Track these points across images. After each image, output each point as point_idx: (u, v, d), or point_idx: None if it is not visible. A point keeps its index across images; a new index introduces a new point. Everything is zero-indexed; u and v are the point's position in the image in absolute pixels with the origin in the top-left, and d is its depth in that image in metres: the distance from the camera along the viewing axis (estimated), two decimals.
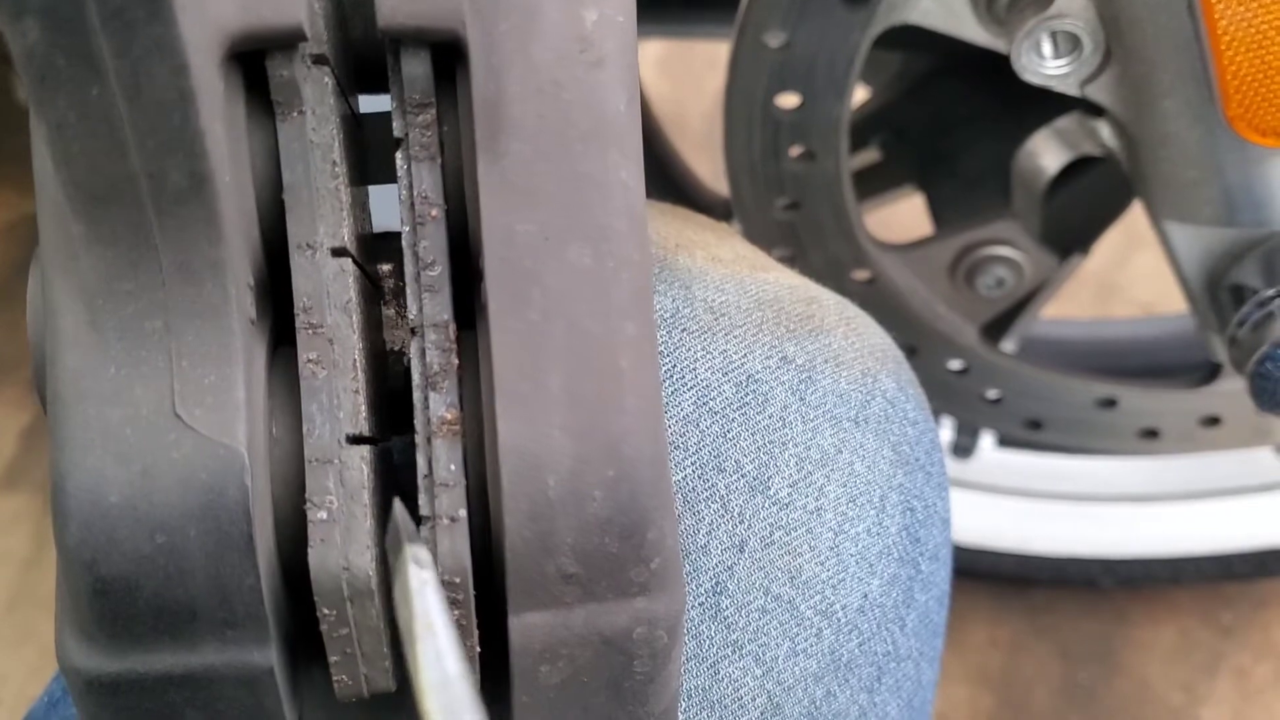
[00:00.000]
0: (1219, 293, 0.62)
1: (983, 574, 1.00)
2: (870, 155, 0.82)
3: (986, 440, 0.93)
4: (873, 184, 0.82)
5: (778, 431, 0.40)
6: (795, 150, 0.68)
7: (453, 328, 0.28)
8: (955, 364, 0.80)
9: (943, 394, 0.81)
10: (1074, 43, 0.58)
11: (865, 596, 0.40)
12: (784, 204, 0.71)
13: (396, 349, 0.31)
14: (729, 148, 0.69)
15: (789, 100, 0.66)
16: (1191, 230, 0.61)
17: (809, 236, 0.72)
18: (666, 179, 0.93)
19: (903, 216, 0.93)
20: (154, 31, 0.23)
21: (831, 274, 0.73)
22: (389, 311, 0.32)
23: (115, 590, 0.26)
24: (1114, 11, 0.56)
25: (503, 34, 0.27)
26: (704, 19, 0.80)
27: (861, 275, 0.74)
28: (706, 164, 0.99)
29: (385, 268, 0.32)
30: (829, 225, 0.71)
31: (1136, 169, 0.62)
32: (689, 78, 1.26)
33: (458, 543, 0.27)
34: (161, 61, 0.23)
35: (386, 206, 0.34)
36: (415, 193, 0.28)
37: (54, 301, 0.26)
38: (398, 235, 0.31)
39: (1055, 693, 1.04)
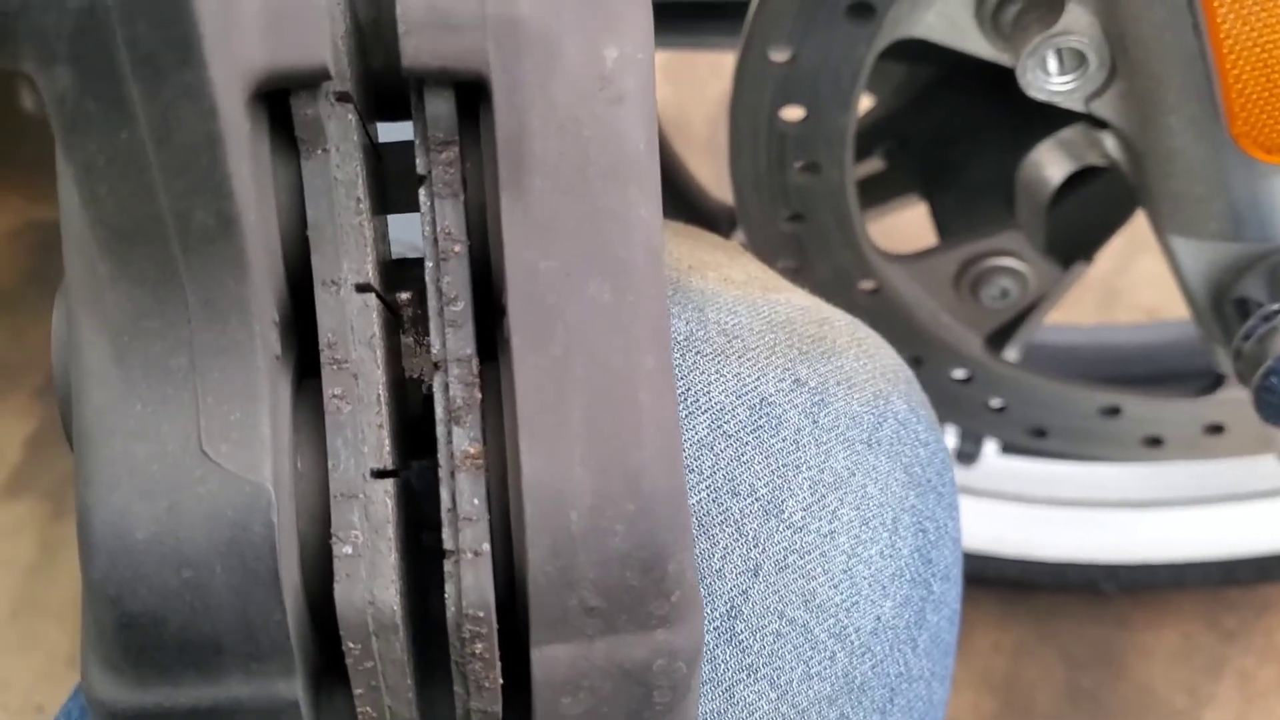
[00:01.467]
0: (1224, 306, 0.62)
1: (987, 580, 1.00)
2: (874, 164, 0.83)
3: (990, 447, 0.93)
4: (876, 193, 0.83)
5: (791, 455, 0.40)
6: (800, 163, 0.68)
7: (475, 362, 0.28)
8: (959, 373, 0.80)
9: (947, 403, 0.82)
10: (1079, 59, 0.58)
11: (878, 619, 0.40)
12: (789, 215, 0.71)
13: (415, 376, 0.32)
14: (734, 160, 0.69)
15: (794, 113, 0.67)
16: (1197, 245, 0.61)
17: (814, 248, 0.72)
18: (669, 186, 0.93)
19: (904, 226, 0.93)
20: (184, 77, 0.23)
21: (837, 285, 0.74)
22: (407, 340, 0.32)
23: (141, 624, 0.26)
24: (1119, 29, 0.56)
25: (525, 73, 0.27)
26: (709, 31, 0.80)
27: (867, 285, 0.74)
28: (709, 170, 0.99)
29: (404, 296, 0.32)
30: (834, 236, 0.72)
31: (1142, 183, 0.62)
32: (692, 83, 1.27)
33: (481, 577, 0.27)
34: (191, 105, 0.23)
35: (400, 225, 0.34)
36: (439, 228, 0.28)
37: (80, 337, 0.27)
38: (416, 262, 0.31)
39: (1059, 697, 1.04)
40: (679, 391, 0.40)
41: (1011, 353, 0.80)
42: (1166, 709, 1.03)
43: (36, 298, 1.28)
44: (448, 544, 0.27)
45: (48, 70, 0.22)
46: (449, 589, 0.27)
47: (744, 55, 0.65)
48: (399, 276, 0.32)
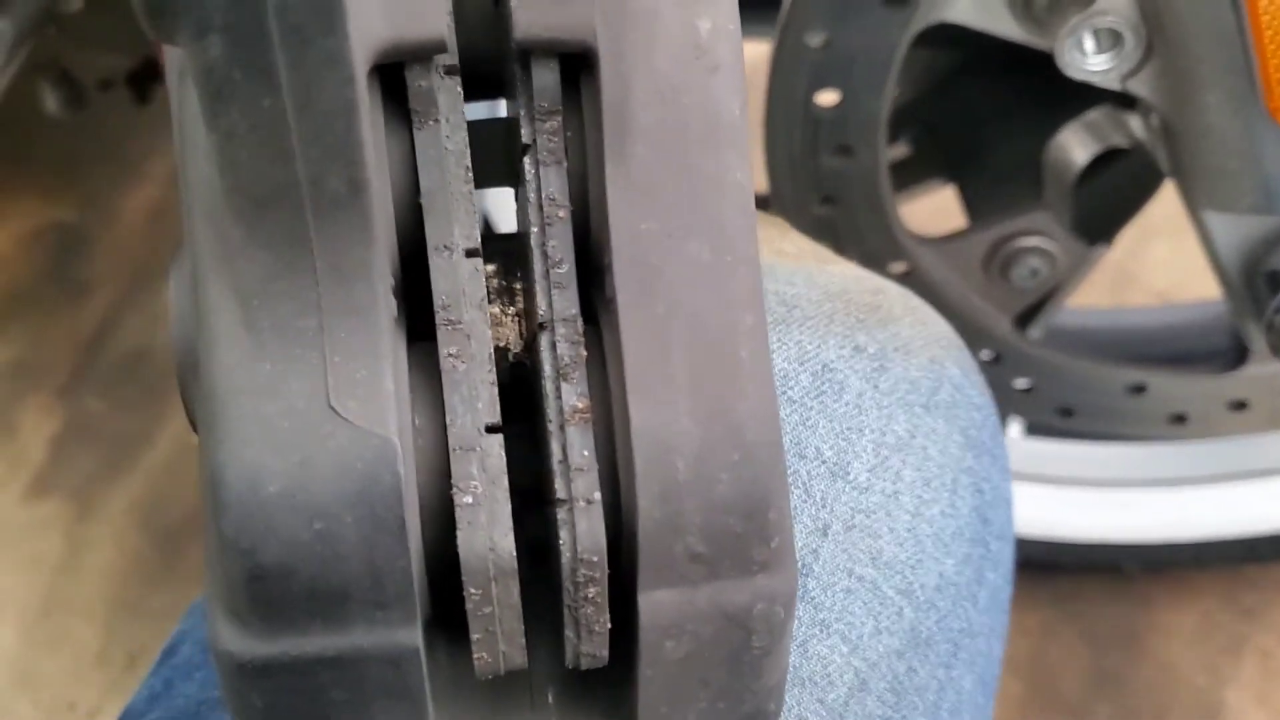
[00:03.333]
0: (1256, 280, 0.63)
1: None
2: (900, 150, 0.84)
3: (1014, 428, 0.94)
4: (903, 178, 0.84)
5: (854, 419, 0.41)
6: (834, 147, 0.70)
7: (580, 322, 0.30)
8: (987, 354, 0.81)
9: None
10: (1116, 39, 0.59)
11: (941, 575, 0.42)
12: (822, 199, 0.72)
13: (500, 346, 0.33)
14: (769, 145, 0.71)
15: (829, 98, 0.68)
16: (1230, 219, 0.62)
17: (847, 231, 0.74)
18: None
19: (926, 209, 0.94)
20: (328, 45, 0.24)
21: (869, 267, 0.75)
22: (493, 310, 0.33)
23: (272, 576, 0.27)
24: (1156, 7, 0.58)
25: (629, 43, 0.28)
26: (743, 18, 0.81)
27: (898, 268, 0.76)
28: None
29: (489, 268, 0.34)
30: (866, 220, 0.73)
31: (1176, 160, 0.64)
32: None
33: (594, 523, 0.28)
34: (331, 73, 0.24)
35: None
36: (544, 195, 0.29)
37: (208, 303, 0.28)
38: (499, 237, 0.33)
39: (1082, 678, 1.05)
40: None
41: (1035, 333, 0.82)
42: (1188, 687, 1.04)
43: (57, 298, 1.29)
44: (560, 493, 0.29)
45: (200, 41, 0.24)
46: (564, 535, 0.28)
47: (780, 41, 0.66)
48: (485, 250, 0.33)
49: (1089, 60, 0.60)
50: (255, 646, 0.28)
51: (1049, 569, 1.05)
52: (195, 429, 0.29)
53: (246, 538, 0.27)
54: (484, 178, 0.33)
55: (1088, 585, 1.07)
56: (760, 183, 0.76)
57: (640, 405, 0.28)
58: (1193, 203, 0.64)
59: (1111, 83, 0.61)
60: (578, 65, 0.29)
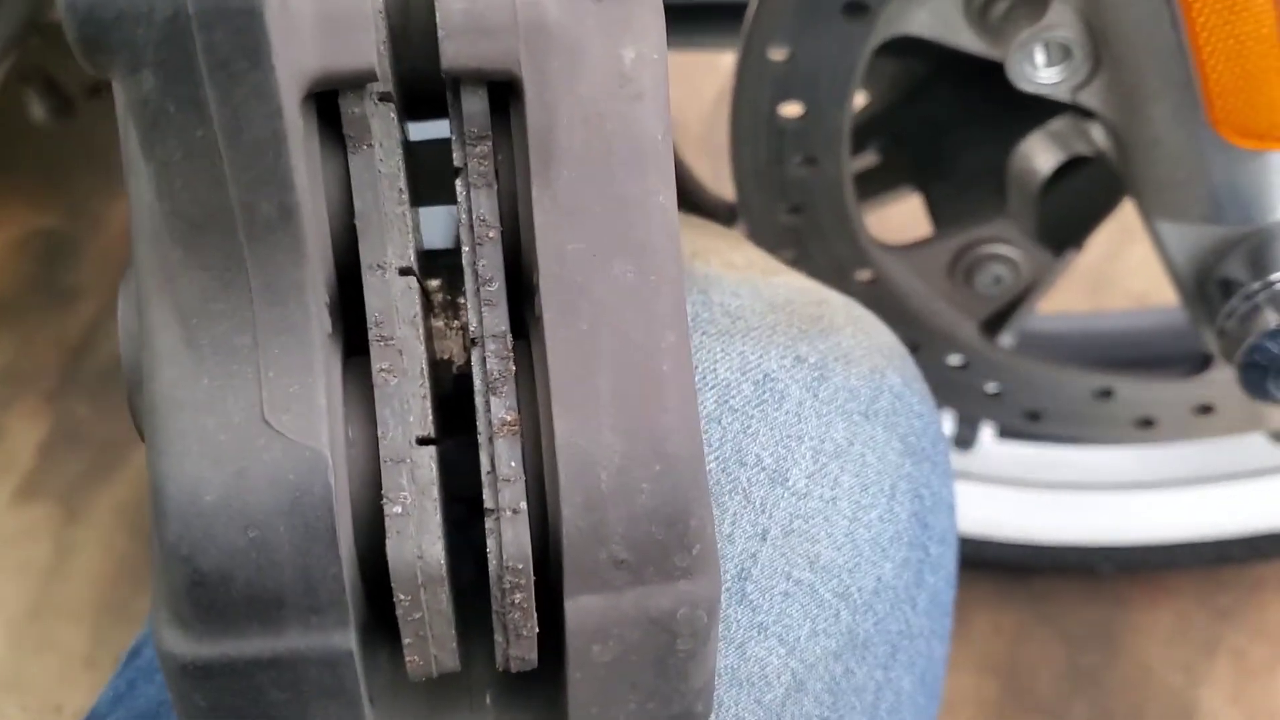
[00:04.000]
0: (1208, 286, 0.65)
1: (986, 563, 1.02)
2: (869, 158, 0.85)
3: (987, 432, 0.95)
4: (872, 186, 0.85)
5: (794, 426, 0.43)
6: (798, 157, 0.71)
7: (510, 338, 0.31)
8: (955, 359, 0.82)
9: (944, 388, 0.84)
10: (1065, 52, 0.60)
11: (879, 579, 0.43)
12: (788, 208, 0.73)
13: (445, 358, 0.34)
14: (735, 155, 0.72)
15: (792, 109, 0.69)
16: (1181, 228, 0.63)
17: (813, 239, 0.75)
18: None
19: (901, 216, 0.96)
20: (255, 79, 0.25)
21: (835, 274, 0.76)
22: (438, 324, 0.34)
23: (211, 581, 0.29)
24: (1102, 23, 0.59)
25: (553, 72, 0.30)
26: (707, 31, 0.83)
27: (864, 275, 0.77)
28: (705, 167, 1.01)
29: (434, 283, 0.35)
30: (832, 228, 0.74)
31: (1128, 170, 0.65)
32: (688, 82, 1.29)
33: (520, 532, 0.30)
34: (259, 105, 0.26)
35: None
36: (474, 216, 0.31)
37: (151, 321, 0.29)
38: (443, 252, 0.34)
39: (1059, 677, 1.06)
40: None
41: (1007, 339, 0.83)
42: (1163, 686, 1.05)
43: (44, 304, 1.29)
44: (488, 503, 0.30)
45: (133, 76, 0.25)
46: (490, 544, 0.30)
47: (744, 54, 0.67)
48: (429, 265, 0.35)
49: (1039, 73, 0.61)
50: (197, 649, 0.29)
51: (1024, 571, 1.06)
52: (143, 439, 0.31)
53: (186, 545, 0.28)
54: (431, 195, 0.35)
55: (1063, 586, 1.08)
56: (728, 191, 0.77)
57: (564, 419, 0.29)
58: (1146, 212, 0.65)
59: (1062, 95, 0.62)
60: (508, 91, 0.31)
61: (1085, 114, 0.67)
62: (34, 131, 1.18)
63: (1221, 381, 0.82)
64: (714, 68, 1.24)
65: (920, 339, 0.80)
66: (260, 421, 0.28)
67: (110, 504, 1.17)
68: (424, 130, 0.35)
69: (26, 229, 1.35)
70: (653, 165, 0.30)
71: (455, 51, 0.29)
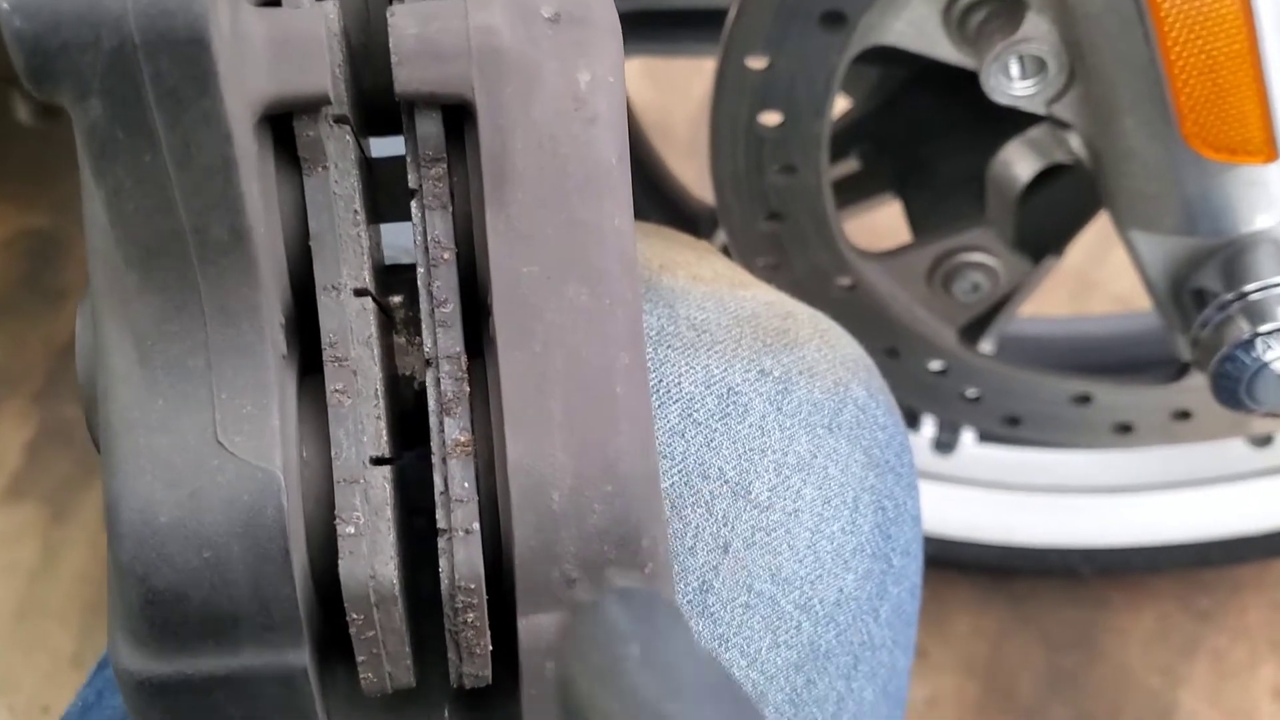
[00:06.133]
0: (1182, 297, 0.65)
1: (966, 565, 1.03)
2: (850, 165, 0.85)
3: (967, 436, 0.96)
4: (852, 193, 0.85)
5: (757, 440, 0.43)
6: (777, 165, 0.71)
7: (464, 359, 0.31)
8: (935, 365, 0.83)
9: (924, 394, 0.84)
10: (1040, 65, 0.61)
11: (841, 591, 0.43)
12: (768, 215, 0.74)
13: (407, 374, 0.34)
14: (715, 163, 0.72)
15: (771, 118, 0.69)
16: (1155, 239, 0.64)
17: (793, 246, 0.75)
18: (651, 187, 0.96)
19: (882, 223, 0.96)
20: (202, 106, 0.26)
21: (815, 281, 0.76)
22: (400, 339, 0.35)
23: (165, 600, 0.29)
24: (1076, 36, 0.59)
25: (506, 97, 0.30)
26: (689, 38, 0.83)
27: (843, 282, 0.77)
28: (691, 170, 1.01)
29: (396, 299, 0.35)
30: (811, 235, 0.74)
31: (1102, 182, 0.65)
32: (673, 85, 1.29)
33: (472, 552, 0.30)
34: (208, 132, 0.26)
35: (390, 233, 0.37)
36: (429, 237, 0.31)
37: (106, 342, 0.29)
38: (408, 267, 0.34)
39: (1039, 679, 1.07)
40: (653, 383, 0.43)
41: (987, 345, 0.83)
42: (1143, 688, 1.06)
43: (32, 304, 1.29)
44: (441, 523, 0.30)
45: (82, 103, 0.25)
46: (443, 564, 0.30)
47: (723, 63, 0.67)
48: (392, 281, 0.35)
49: (1014, 85, 0.61)
50: (152, 666, 0.30)
51: (1005, 573, 1.06)
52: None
53: (140, 564, 0.29)
54: (392, 211, 0.35)
55: (1044, 588, 1.09)
56: (709, 198, 0.77)
57: (517, 440, 0.30)
58: (1120, 222, 0.66)
59: (1036, 107, 0.62)
60: (464, 114, 0.31)
61: (1062, 123, 0.68)
62: (21, 132, 1.18)
63: (1199, 388, 0.82)
64: (700, 70, 1.24)
65: (900, 344, 0.81)
66: (214, 443, 0.29)
67: (98, 504, 1.17)
68: (391, 145, 0.35)
69: (14, 230, 1.34)
70: (607, 189, 0.31)
71: (408, 77, 0.30)
